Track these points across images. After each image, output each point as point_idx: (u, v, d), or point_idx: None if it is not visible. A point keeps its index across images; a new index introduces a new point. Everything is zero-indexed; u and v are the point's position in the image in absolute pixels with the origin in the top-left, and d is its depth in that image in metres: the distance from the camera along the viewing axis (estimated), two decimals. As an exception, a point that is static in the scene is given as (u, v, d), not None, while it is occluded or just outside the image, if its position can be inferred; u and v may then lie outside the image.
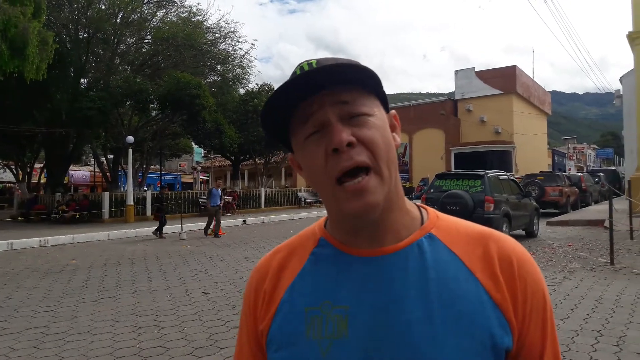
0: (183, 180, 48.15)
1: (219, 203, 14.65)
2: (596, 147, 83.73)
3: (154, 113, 25.06)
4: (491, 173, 10.87)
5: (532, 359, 0.72)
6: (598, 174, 28.55)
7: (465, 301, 0.68)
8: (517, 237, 11.72)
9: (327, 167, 0.67)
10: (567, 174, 24.62)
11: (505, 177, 11.62)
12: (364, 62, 0.68)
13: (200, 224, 16.65)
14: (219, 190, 15.27)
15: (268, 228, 16.72)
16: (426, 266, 0.70)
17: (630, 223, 10.76)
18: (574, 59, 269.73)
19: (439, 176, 11.39)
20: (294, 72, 0.71)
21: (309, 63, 0.71)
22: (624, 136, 25.49)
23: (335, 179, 0.67)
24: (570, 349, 4.15)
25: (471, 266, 0.71)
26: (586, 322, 4.91)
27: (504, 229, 10.29)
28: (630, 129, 19.02)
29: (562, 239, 11.48)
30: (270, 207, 26.49)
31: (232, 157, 30.56)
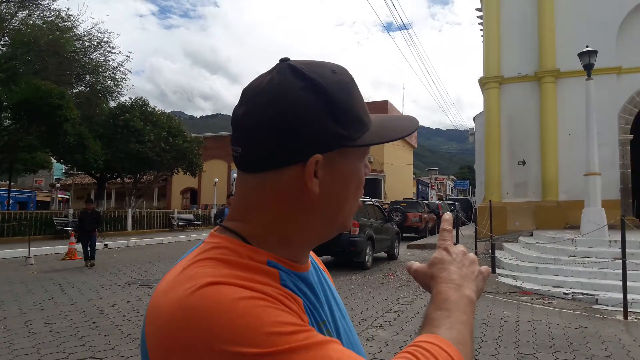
0: (38, 198, 43.55)
1: None
2: (455, 178, 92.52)
3: (6, 122, 22.51)
4: (357, 199, 11.40)
5: None
6: (454, 202, 31.36)
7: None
8: (380, 259, 12.40)
9: (359, 196, 0.82)
10: (427, 201, 26.75)
11: (370, 203, 12.27)
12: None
13: (54, 247, 15.18)
14: None
15: (132, 252, 15.75)
16: (323, 276, 0.83)
17: (476, 247, 11.97)
18: (434, 98, 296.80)
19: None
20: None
21: None
22: (476, 170, 28.45)
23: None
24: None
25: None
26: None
27: (367, 251, 10.80)
28: (480, 163, 21.23)
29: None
30: (138, 230, 24.99)
31: (98, 175, 28.51)
